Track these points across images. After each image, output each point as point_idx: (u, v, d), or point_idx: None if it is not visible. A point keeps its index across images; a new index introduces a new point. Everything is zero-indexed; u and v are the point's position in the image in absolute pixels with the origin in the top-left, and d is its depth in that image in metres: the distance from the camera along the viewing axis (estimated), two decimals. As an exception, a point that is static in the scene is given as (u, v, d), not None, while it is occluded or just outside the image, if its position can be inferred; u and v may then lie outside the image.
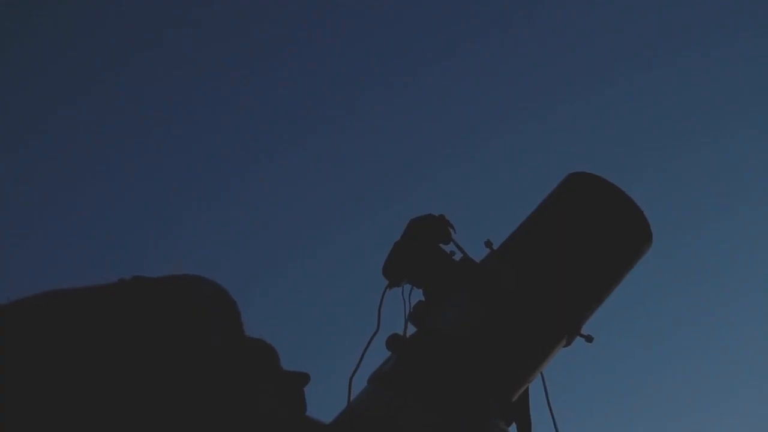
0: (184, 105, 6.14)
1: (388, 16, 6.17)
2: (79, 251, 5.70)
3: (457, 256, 1.58)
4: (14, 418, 1.14)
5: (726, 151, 5.94)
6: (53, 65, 5.95)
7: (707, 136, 6.00)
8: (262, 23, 6.10)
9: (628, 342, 5.67)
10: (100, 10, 5.92)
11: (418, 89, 6.14)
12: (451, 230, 1.59)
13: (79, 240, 5.84)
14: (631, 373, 5.89)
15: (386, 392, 1.44)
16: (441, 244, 1.58)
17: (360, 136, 6.21)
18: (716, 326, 6.05)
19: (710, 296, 6.08)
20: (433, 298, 1.55)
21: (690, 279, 6.03)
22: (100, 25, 5.96)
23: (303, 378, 1.39)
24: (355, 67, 6.21)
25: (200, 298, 1.32)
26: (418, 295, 1.57)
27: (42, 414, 1.15)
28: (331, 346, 5.48)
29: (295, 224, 6.15)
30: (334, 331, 5.68)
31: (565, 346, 1.54)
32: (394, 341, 1.49)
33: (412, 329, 1.53)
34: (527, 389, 1.54)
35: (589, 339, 1.55)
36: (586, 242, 1.54)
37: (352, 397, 1.46)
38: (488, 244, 1.55)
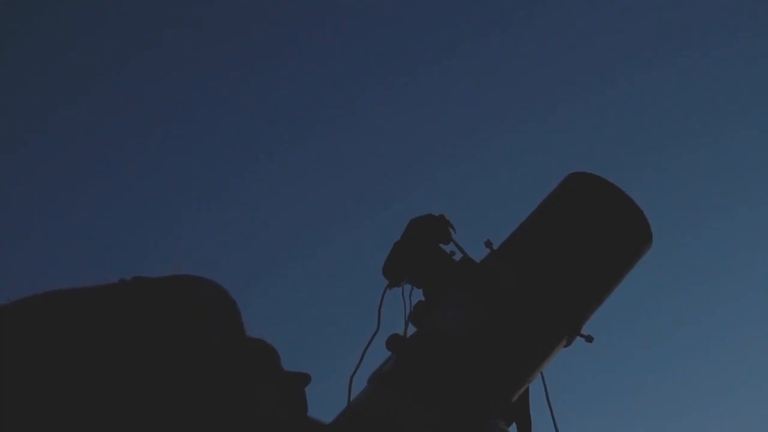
0: (184, 105, 6.14)
1: (388, 16, 6.17)
2: (79, 251, 5.70)
3: (457, 256, 1.58)
4: (14, 418, 1.14)
5: (726, 151, 5.94)
6: (53, 65, 5.95)
7: (707, 136, 6.01)
8: (262, 23, 6.10)
9: (628, 342, 5.68)
10: (100, 10, 5.92)
11: (418, 89, 6.14)
12: (451, 230, 1.59)
13: (79, 240, 5.84)
14: (631, 373, 5.90)
15: (386, 392, 1.44)
16: (441, 244, 1.58)
17: (360, 136, 6.22)
18: (716, 326, 6.05)
19: (710, 296, 6.08)
20: (433, 298, 1.55)
21: (690, 279, 6.03)
22: (100, 25, 5.96)
23: (304, 378, 1.39)
24: (355, 67, 6.21)
25: (200, 298, 1.32)
26: (418, 295, 1.57)
27: (42, 414, 1.15)
28: (331, 346, 5.48)
29: (295, 224, 6.15)
30: (334, 331, 5.69)
31: (565, 346, 1.54)
32: (394, 341, 1.50)
33: (412, 329, 1.53)
34: (527, 389, 1.54)
35: (589, 339, 1.55)
36: (586, 242, 1.54)
37: (352, 397, 1.46)
38: (488, 244, 1.55)
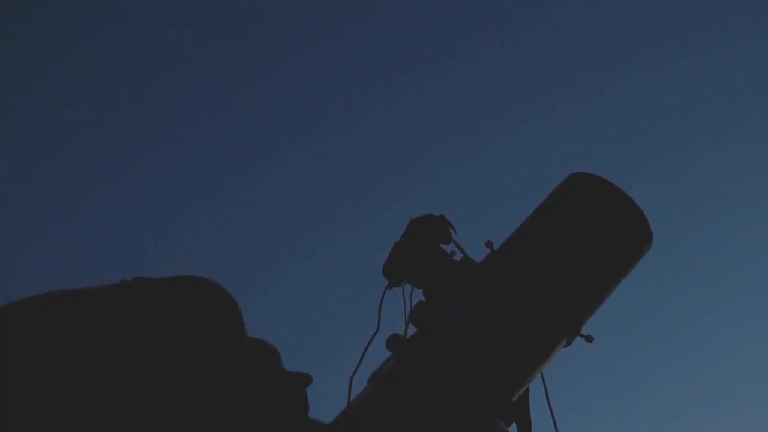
0: (184, 105, 6.14)
1: (388, 16, 6.17)
2: (79, 251, 5.70)
3: (458, 257, 1.58)
4: (14, 418, 1.14)
5: (726, 151, 5.94)
6: (53, 65, 5.95)
7: (707, 136, 6.01)
8: (262, 23, 6.10)
9: (628, 342, 5.67)
10: (100, 10, 5.92)
11: (418, 89, 6.14)
12: (451, 230, 1.60)
13: (79, 240, 5.84)
14: (631, 373, 5.90)
15: (386, 392, 1.44)
16: (441, 245, 1.58)
17: (360, 136, 6.22)
18: (716, 326, 6.05)
19: (710, 296, 6.08)
20: (433, 298, 1.55)
21: (690, 279, 6.03)
22: (100, 25, 5.96)
23: (305, 379, 1.39)
24: (355, 67, 6.21)
25: (201, 298, 1.32)
26: (418, 295, 1.57)
27: (42, 414, 1.15)
28: (331, 346, 5.47)
29: (295, 224, 6.15)
30: (334, 331, 5.68)
31: (565, 346, 1.54)
32: (394, 341, 1.50)
33: (412, 329, 1.53)
34: (527, 389, 1.54)
35: (589, 339, 1.55)
36: (587, 242, 1.54)
37: (352, 397, 1.46)
38: (488, 244, 1.56)
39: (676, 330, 6.08)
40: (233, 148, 6.17)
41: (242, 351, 1.31)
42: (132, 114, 6.01)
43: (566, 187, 1.61)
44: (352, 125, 6.17)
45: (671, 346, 6.03)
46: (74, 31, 5.96)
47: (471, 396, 1.44)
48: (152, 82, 6.05)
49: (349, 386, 1.47)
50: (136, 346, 1.21)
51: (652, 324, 5.93)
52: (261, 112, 6.19)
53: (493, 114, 6.16)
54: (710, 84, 5.97)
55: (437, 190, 5.70)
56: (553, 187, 1.62)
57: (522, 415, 1.55)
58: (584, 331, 1.55)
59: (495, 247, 1.56)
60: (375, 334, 1.55)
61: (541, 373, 1.56)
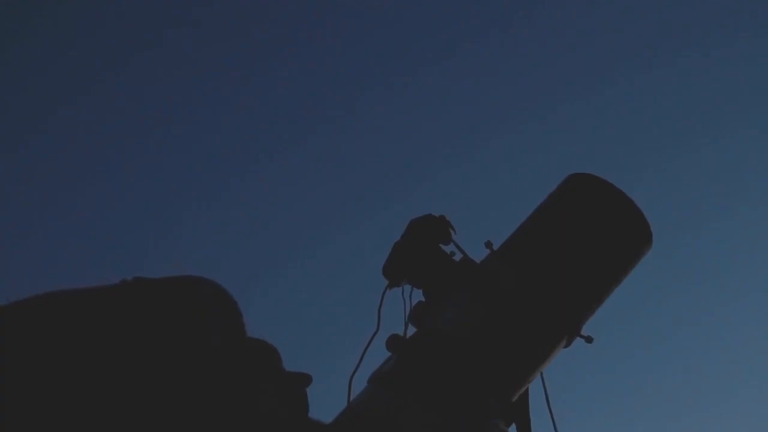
0: (184, 105, 6.14)
1: (388, 16, 6.17)
2: (79, 251, 5.70)
3: (458, 257, 1.58)
4: (14, 418, 1.14)
5: (726, 151, 5.94)
6: (53, 65, 5.95)
7: (707, 136, 6.00)
8: (262, 23, 6.10)
9: (628, 342, 5.67)
10: (100, 10, 5.92)
11: (418, 89, 6.14)
12: (451, 231, 1.60)
13: (79, 240, 5.84)
14: (631, 373, 5.90)
15: (386, 392, 1.45)
16: (441, 245, 1.58)
17: (360, 136, 6.21)
18: (716, 326, 6.05)
19: (710, 296, 6.08)
20: (433, 298, 1.55)
21: (690, 279, 6.03)
22: (100, 25, 5.96)
23: (305, 379, 1.39)
24: (355, 67, 6.21)
25: (201, 298, 1.32)
26: (418, 295, 1.57)
27: (42, 414, 1.15)
28: (331, 346, 5.47)
29: (295, 224, 6.15)
30: (334, 331, 5.68)
31: (565, 346, 1.54)
32: (394, 341, 1.50)
33: (412, 329, 1.53)
34: (527, 389, 1.55)
35: (589, 340, 1.55)
36: (586, 243, 1.54)
37: (352, 397, 1.46)
38: (488, 244, 1.56)
39: (676, 330, 6.08)
40: (233, 148, 6.17)
41: (242, 351, 1.31)
42: (132, 114, 6.02)
43: (566, 187, 1.61)
44: (352, 125, 6.18)
45: (671, 346, 6.03)
46: (74, 31, 5.96)
47: (471, 396, 1.44)
48: (152, 82, 6.05)
49: (349, 386, 1.47)
50: (137, 346, 1.21)
51: (652, 324, 5.94)
52: (261, 112, 6.19)
53: (493, 114, 6.17)
54: (710, 84, 5.97)
55: (437, 190, 5.71)
56: (553, 187, 1.62)
57: (522, 415, 1.55)
58: (584, 331, 1.55)
59: (495, 248, 1.56)
60: (375, 334, 1.55)
61: (541, 374, 1.56)
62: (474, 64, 6.11)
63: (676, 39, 6.03)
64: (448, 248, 1.59)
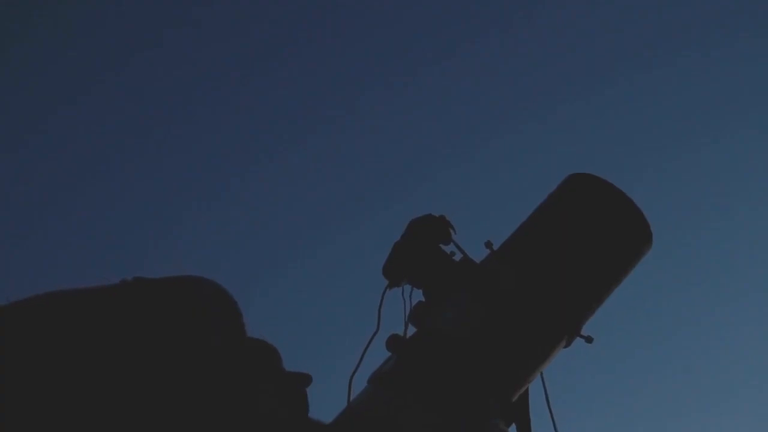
0: (184, 105, 6.14)
1: (388, 16, 6.17)
2: (79, 251, 5.70)
3: (458, 257, 1.58)
4: (14, 418, 1.14)
5: (726, 151, 5.94)
6: (53, 65, 5.95)
7: (707, 136, 6.00)
8: (262, 23, 6.10)
9: (628, 342, 5.67)
10: (100, 10, 5.92)
11: (418, 89, 6.14)
12: (451, 231, 1.60)
13: (79, 240, 5.84)
14: (631, 373, 5.89)
15: (386, 392, 1.45)
16: (441, 245, 1.58)
17: (360, 136, 6.21)
18: (716, 326, 6.05)
19: (710, 296, 6.08)
20: (433, 298, 1.55)
21: (690, 279, 6.03)
22: (100, 25, 5.96)
23: (305, 379, 1.39)
24: (355, 67, 6.21)
25: (201, 298, 1.32)
26: (418, 295, 1.57)
27: (42, 414, 1.15)
28: (331, 346, 5.47)
29: (295, 224, 6.15)
30: (334, 331, 5.68)
31: (565, 347, 1.54)
32: (394, 341, 1.50)
33: (412, 330, 1.53)
34: (527, 390, 1.55)
35: (588, 340, 1.55)
36: (586, 243, 1.54)
37: (352, 397, 1.46)
38: (488, 244, 1.56)
39: (676, 330, 6.08)
40: (233, 148, 6.17)
41: (242, 351, 1.31)
42: (132, 114, 6.01)
43: (566, 187, 1.61)
44: (352, 125, 6.18)
45: (671, 346, 6.03)
46: (74, 31, 5.96)
47: (471, 396, 1.44)
48: (152, 82, 6.05)
49: (349, 386, 1.47)
50: (137, 346, 1.21)
51: (652, 324, 5.94)
52: (261, 112, 6.19)
53: (493, 114, 6.17)
54: (710, 84, 5.97)
55: (437, 190, 5.71)
56: (553, 187, 1.62)
57: (522, 415, 1.55)
58: (584, 331, 1.55)
59: (495, 248, 1.56)
60: (375, 334, 1.55)
61: (541, 374, 1.56)
62: (474, 64, 6.11)
63: (676, 39, 6.04)
64: (448, 248, 1.59)
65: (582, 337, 1.55)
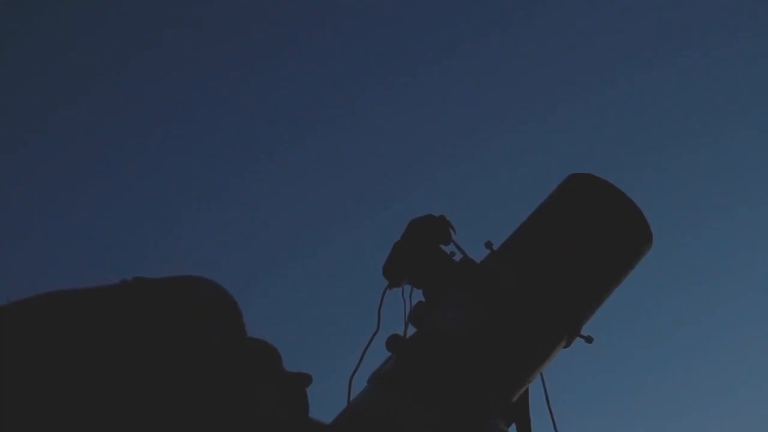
0: (184, 105, 6.14)
1: (388, 16, 6.17)
2: (79, 251, 5.70)
3: (458, 257, 1.58)
4: (14, 418, 1.14)
5: (726, 151, 5.94)
6: (53, 65, 5.95)
7: (707, 136, 6.00)
8: (262, 23, 6.10)
9: (628, 342, 5.67)
10: (100, 10, 5.92)
11: (418, 89, 6.14)
12: (451, 231, 1.60)
13: (79, 240, 5.84)
14: (631, 373, 5.89)
15: (386, 392, 1.45)
16: (441, 245, 1.58)
17: (360, 136, 6.21)
18: (716, 326, 6.05)
19: (710, 296, 6.08)
20: (433, 298, 1.55)
21: (690, 279, 6.03)
22: (100, 25, 5.96)
23: (305, 379, 1.39)
24: (355, 67, 6.21)
25: (201, 298, 1.32)
26: (418, 295, 1.57)
27: (42, 414, 1.15)
28: (332, 346, 5.47)
29: (295, 224, 6.15)
30: (334, 331, 5.68)
31: (565, 347, 1.54)
32: (394, 342, 1.50)
33: (412, 330, 1.53)
34: (527, 390, 1.55)
35: (589, 340, 1.55)
36: (586, 243, 1.54)
37: (352, 397, 1.46)
38: (488, 244, 1.56)
39: (676, 330, 6.08)
40: (233, 148, 6.17)
41: (242, 351, 1.31)
42: (132, 114, 6.02)
43: (566, 187, 1.61)
44: (352, 125, 6.18)
45: (671, 346, 6.03)
46: (74, 31, 5.96)
47: (471, 396, 1.44)
48: (152, 82, 6.05)
49: (349, 386, 1.47)
50: (137, 346, 1.21)
51: (652, 324, 5.94)
52: (261, 112, 6.19)
53: (493, 114, 6.17)
54: (710, 84, 5.97)
55: (437, 190, 5.71)
56: (553, 187, 1.62)
57: (522, 415, 1.55)
58: (584, 331, 1.55)
59: (495, 248, 1.56)
60: (375, 334, 1.55)
61: (541, 374, 1.56)
62: (474, 64, 6.11)
63: (676, 39, 6.04)
64: (448, 248, 1.59)
65: (582, 337, 1.55)
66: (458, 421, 1.41)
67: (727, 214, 5.99)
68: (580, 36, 6.12)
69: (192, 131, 6.10)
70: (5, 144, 5.81)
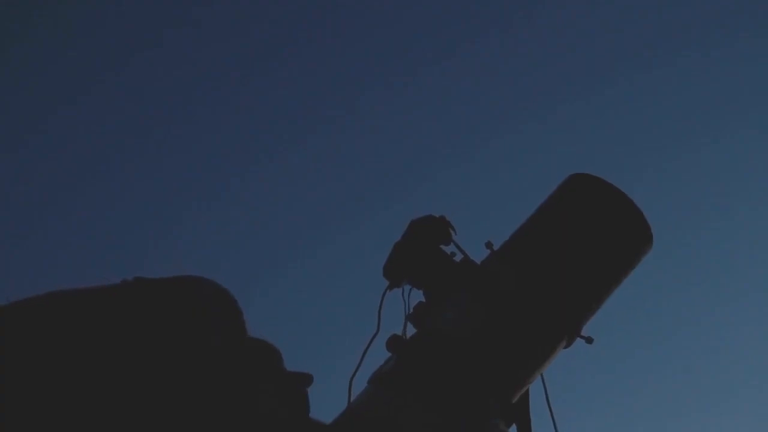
0: (184, 105, 6.14)
1: (388, 16, 6.17)
2: (79, 251, 5.70)
3: (458, 257, 1.58)
4: (14, 418, 1.14)
5: (726, 151, 5.94)
6: (53, 65, 5.95)
7: (707, 136, 6.00)
8: (262, 23, 6.10)
9: (628, 342, 5.67)
10: (100, 10, 5.92)
11: (418, 89, 6.14)
12: (451, 231, 1.60)
13: (79, 240, 5.84)
14: (631, 373, 5.89)
15: (386, 392, 1.45)
16: (441, 245, 1.58)
17: (360, 136, 6.21)
18: (716, 326, 6.05)
19: (710, 296, 6.08)
20: (434, 298, 1.55)
21: (690, 279, 6.03)
22: (100, 25, 5.96)
23: (306, 379, 1.39)
24: (355, 67, 6.21)
25: (201, 298, 1.32)
26: (418, 295, 1.57)
27: (42, 414, 1.15)
28: (332, 346, 5.47)
29: (295, 224, 6.15)
30: (335, 331, 5.68)
31: (565, 347, 1.54)
32: (394, 342, 1.50)
33: (412, 330, 1.53)
34: (528, 390, 1.55)
35: (589, 340, 1.55)
36: (587, 243, 1.54)
37: (352, 398, 1.46)
38: (489, 245, 1.56)
39: (676, 330, 6.08)
40: (233, 148, 6.17)
41: (242, 351, 1.31)
42: (132, 114, 6.01)
43: (566, 188, 1.61)
44: (352, 125, 6.17)
45: (671, 346, 6.03)
46: (74, 31, 5.96)
47: (471, 396, 1.44)
48: (152, 82, 6.05)
49: (349, 386, 1.47)
50: (137, 346, 1.21)
51: (652, 324, 5.94)
52: (261, 112, 6.19)
53: (493, 114, 6.16)
54: (710, 84, 5.97)
55: (437, 190, 5.70)
56: (553, 187, 1.62)
57: (522, 415, 1.55)
58: (584, 331, 1.55)
59: (495, 248, 1.56)
60: (375, 334, 1.55)
61: (541, 375, 1.56)
62: (474, 64, 6.11)
63: (676, 39, 6.04)
64: (448, 249, 1.59)
65: (582, 337, 1.55)
66: (458, 421, 1.41)
67: (727, 214, 5.99)
68: (580, 36, 6.12)
69: (192, 131, 6.11)
70: (5, 144, 5.81)
